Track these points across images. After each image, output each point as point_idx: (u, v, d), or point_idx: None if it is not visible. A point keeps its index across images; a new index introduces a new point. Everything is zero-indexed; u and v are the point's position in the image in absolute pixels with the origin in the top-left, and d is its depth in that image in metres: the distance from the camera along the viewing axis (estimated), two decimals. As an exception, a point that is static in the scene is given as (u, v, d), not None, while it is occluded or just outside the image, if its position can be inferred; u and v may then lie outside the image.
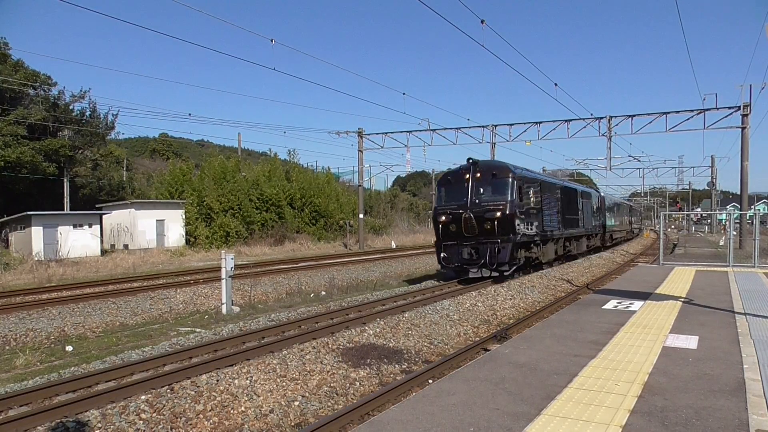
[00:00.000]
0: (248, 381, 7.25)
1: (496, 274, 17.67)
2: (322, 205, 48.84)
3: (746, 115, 29.89)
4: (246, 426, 6.37)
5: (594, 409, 5.21)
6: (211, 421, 6.31)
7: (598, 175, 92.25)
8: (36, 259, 28.93)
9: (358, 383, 7.95)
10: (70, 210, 39.45)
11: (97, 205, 41.06)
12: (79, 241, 32.81)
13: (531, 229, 18.95)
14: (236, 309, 15.61)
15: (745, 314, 9.98)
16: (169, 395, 6.58)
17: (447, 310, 12.47)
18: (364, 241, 43.40)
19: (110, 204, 40.65)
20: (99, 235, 34.60)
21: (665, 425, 4.79)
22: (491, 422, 4.97)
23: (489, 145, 37.62)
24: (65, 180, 41.56)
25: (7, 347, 11.41)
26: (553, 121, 35.02)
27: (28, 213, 31.80)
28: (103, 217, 36.93)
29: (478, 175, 18.04)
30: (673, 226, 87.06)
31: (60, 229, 32.40)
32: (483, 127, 37.23)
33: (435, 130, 37.51)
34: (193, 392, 6.73)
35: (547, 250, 21.53)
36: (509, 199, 17.50)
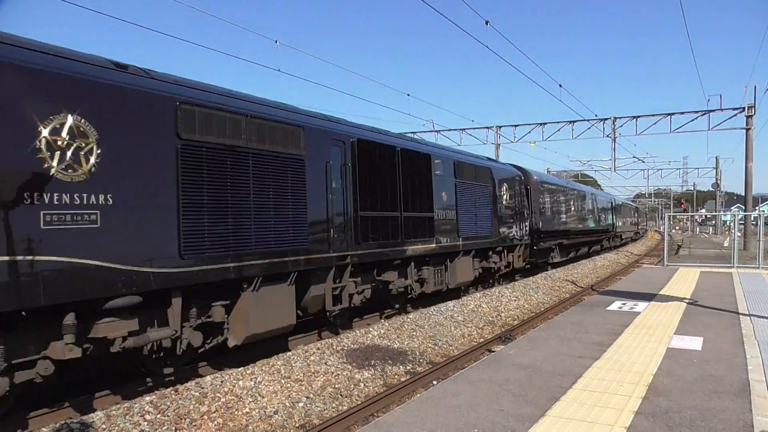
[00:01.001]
0: (252, 382, 7.26)
1: None
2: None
3: (751, 116, 29.83)
4: (250, 427, 6.38)
5: (599, 411, 5.21)
6: (215, 422, 6.32)
7: (603, 176, 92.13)
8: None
9: (362, 384, 7.96)
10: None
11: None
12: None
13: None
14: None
15: (749, 315, 9.96)
16: (173, 396, 6.60)
17: (451, 311, 12.46)
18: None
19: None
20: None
21: (669, 426, 4.79)
22: (495, 423, 4.97)
23: (493, 146, 37.68)
24: (70, 182, 41.64)
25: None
26: (558, 122, 35.08)
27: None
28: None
29: None
30: (677, 228, 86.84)
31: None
32: (487, 128, 37.30)
33: (439, 131, 37.54)
34: (197, 393, 6.74)
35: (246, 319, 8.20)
36: None
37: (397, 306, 13.34)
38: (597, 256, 30.57)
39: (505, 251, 18.03)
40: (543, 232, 21.88)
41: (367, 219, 10.67)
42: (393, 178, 11.74)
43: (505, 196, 17.97)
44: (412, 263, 12.61)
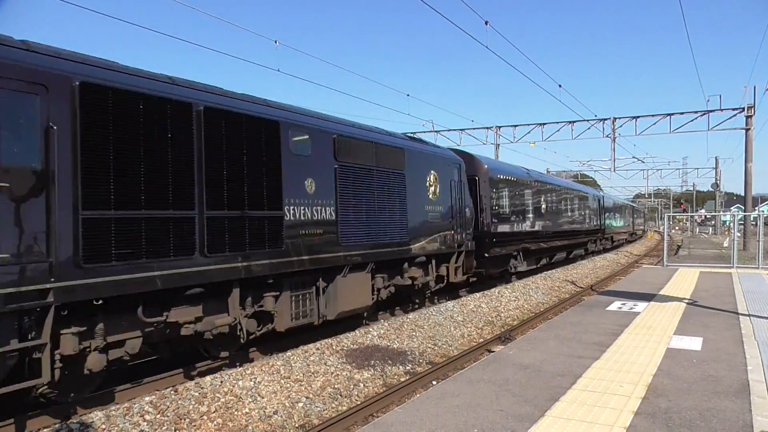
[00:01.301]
0: (252, 382, 7.27)
1: None
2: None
3: (750, 116, 29.84)
4: (250, 427, 6.38)
5: (598, 411, 5.22)
6: (215, 422, 6.32)
7: (603, 177, 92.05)
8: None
9: (362, 384, 7.96)
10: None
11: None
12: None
13: None
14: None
15: (749, 315, 9.96)
16: (173, 396, 6.59)
17: (451, 311, 12.47)
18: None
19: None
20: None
21: (669, 427, 4.79)
22: (495, 424, 4.97)
23: (493, 147, 37.71)
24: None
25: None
26: (557, 122, 35.09)
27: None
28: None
29: None
30: (677, 228, 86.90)
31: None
32: (487, 128, 37.33)
33: (439, 131, 37.55)
34: (197, 393, 6.74)
35: None
36: None
37: (224, 355, 8.62)
38: (597, 256, 30.55)
39: (434, 261, 13.61)
40: (498, 235, 17.43)
41: (106, 223, 6.38)
42: (184, 154, 7.33)
43: (432, 189, 13.29)
44: (237, 290, 8.17)
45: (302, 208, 9.24)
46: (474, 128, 37.50)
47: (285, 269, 8.84)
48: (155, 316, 7.11)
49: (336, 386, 7.74)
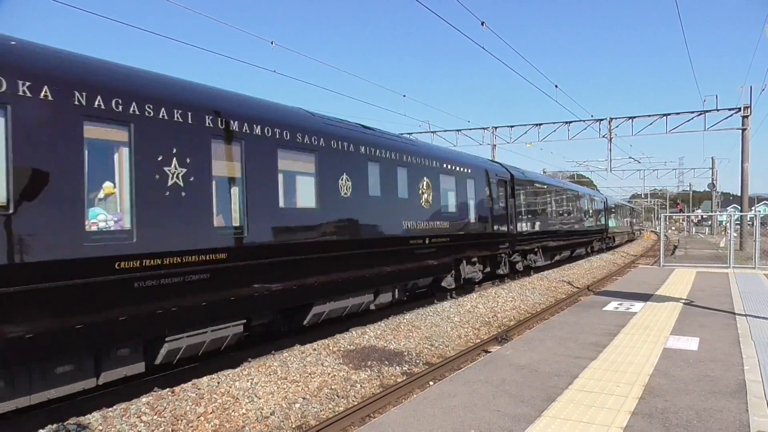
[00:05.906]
0: (249, 383, 7.26)
1: None
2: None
3: (746, 116, 29.87)
4: (247, 428, 6.37)
5: (595, 411, 5.22)
6: (212, 423, 6.31)
7: (599, 177, 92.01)
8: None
9: (359, 385, 7.95)
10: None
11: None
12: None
13: None
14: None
15: (745, 315, 9.99)
16: (170, 397, 6.58)
17: (448, 311, 12.47)
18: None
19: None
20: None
21: (666, 427, 4.80)
22: (492, 424, 4.98)
23: (490, 147, 37.73)
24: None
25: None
26: (554, 122, 35.07)
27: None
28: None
29: None
30: (673, 228, 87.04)
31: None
32: (483, 128, 37.30)
33: (435, 132, 37.53)
34: (194, 394, 6.73)
35: None
36: None
37: None
38: (593, 256, 30.54)
39: None
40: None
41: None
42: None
43: None
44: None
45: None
46: (470, 129, 37.53)
47: None
48: None
49: (333, 387, 7.73)
